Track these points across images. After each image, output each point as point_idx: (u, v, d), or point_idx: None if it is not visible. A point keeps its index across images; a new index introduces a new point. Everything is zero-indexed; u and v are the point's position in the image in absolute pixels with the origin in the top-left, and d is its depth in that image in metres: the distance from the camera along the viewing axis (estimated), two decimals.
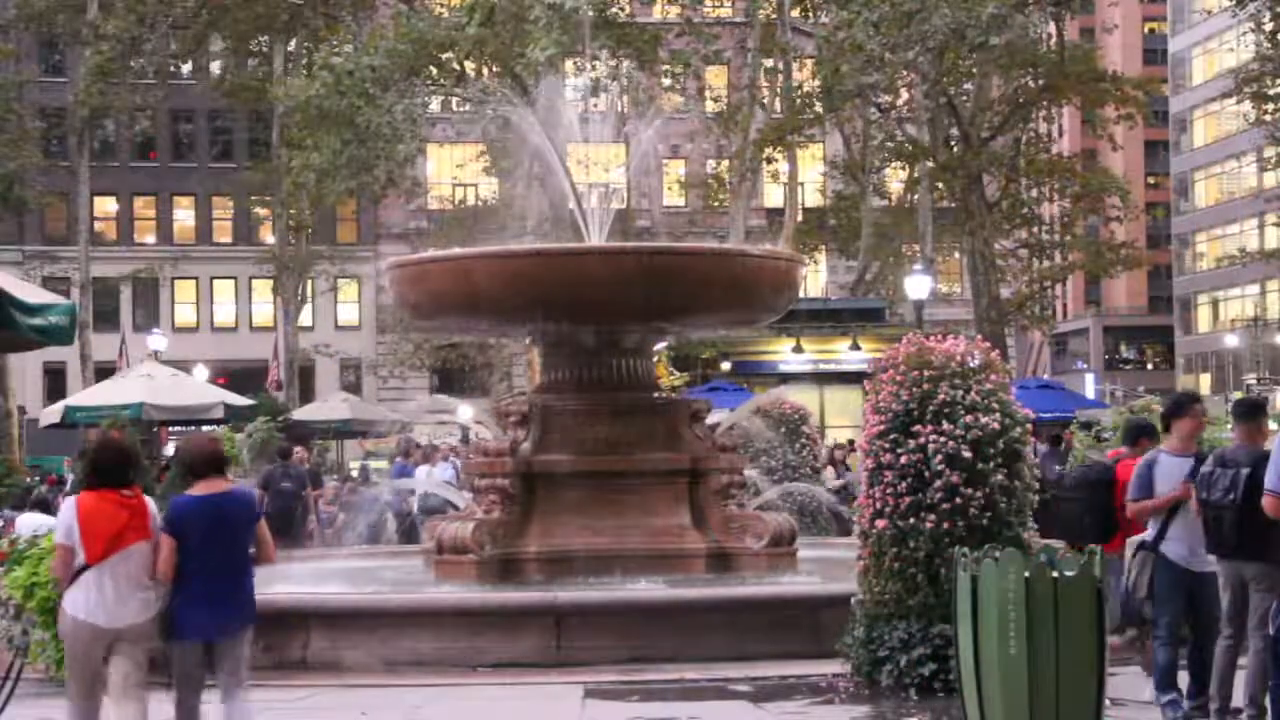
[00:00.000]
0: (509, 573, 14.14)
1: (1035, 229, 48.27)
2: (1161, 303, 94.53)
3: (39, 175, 45.51)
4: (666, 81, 38.99)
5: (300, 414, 38.77)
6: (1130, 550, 9.77)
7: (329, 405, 40.72)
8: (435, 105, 41.11)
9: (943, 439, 10.38)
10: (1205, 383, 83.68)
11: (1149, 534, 9.63)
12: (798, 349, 36.89)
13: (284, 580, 15.52)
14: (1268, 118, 41.49)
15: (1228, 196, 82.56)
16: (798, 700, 10.57)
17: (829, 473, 23.37)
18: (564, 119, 18.88)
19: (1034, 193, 48.39)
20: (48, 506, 18.44)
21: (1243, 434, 9.29)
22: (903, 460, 10.48)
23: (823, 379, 35.84)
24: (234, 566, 8.30)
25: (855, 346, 35.65)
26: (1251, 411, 9.53)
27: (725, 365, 39.09)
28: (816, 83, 38.85)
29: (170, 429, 38.26)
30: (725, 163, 47.11)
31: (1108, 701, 8.32)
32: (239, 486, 9.00)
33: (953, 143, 42.10)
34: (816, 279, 57.11)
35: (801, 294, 22.62)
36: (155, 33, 43.39)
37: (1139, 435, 11.43)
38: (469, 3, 33.63)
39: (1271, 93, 40.81)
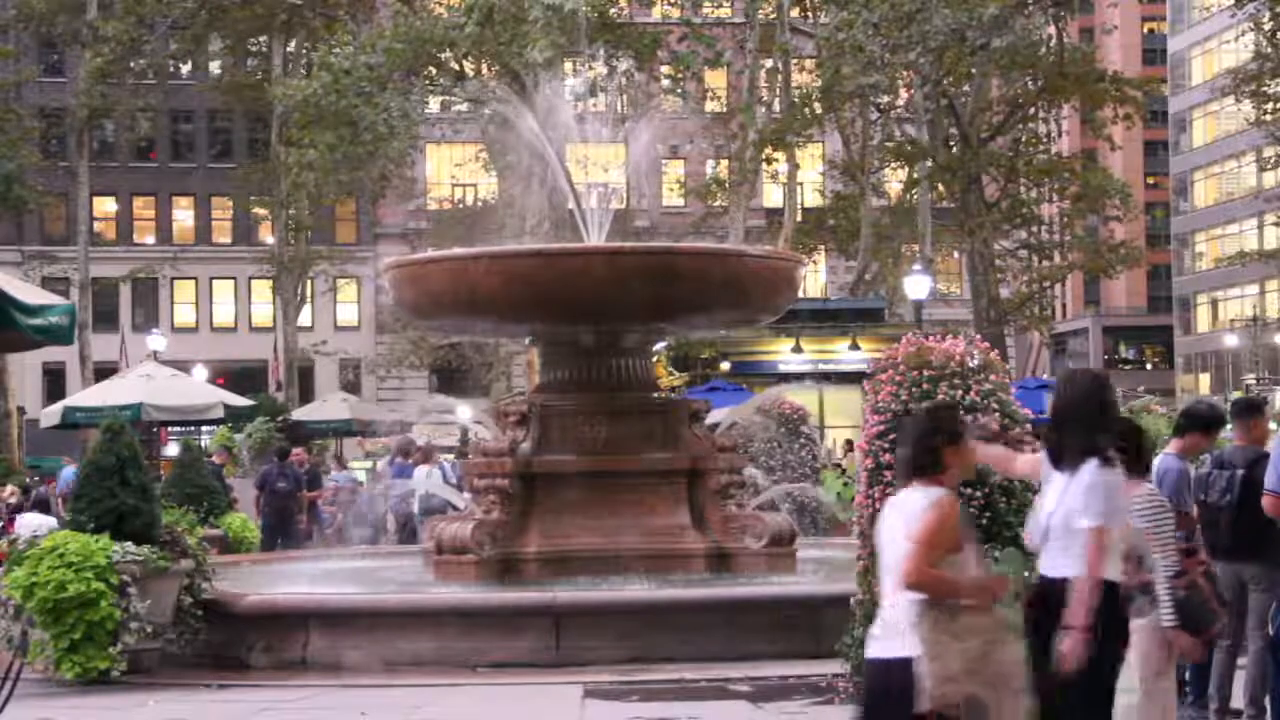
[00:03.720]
0: (508, 573, 14.14)
1: (1035, 229, 48.29)
2: (1161, 303, 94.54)
3: (38, 175, 45.50)
4: (666, 83, 39.01)
5: (300, 414, 38.82)
6: None
7: (328, 405, 40.76)
8: (434, 105, 41.12)
9: None
10: (1205, 383, 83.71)
11: None
12: (797, 349, 36.91)
13: (284, 580, 15.55)
14: (1267, 117, 41.53)
15: (1227, 196, 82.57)
16: (797, 700, 10.56)
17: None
18: (562, 119, 18.89)
19: (1033, 193, 48.41)
20: (48, 506, 18.48)
21: (1239, 432, 9.29)
22: None
23: (822, 379, 35.84)
24: None
25: (855, 346, 35.68)
26: (1247, 410, 9.53)
27: (725, 365, 39.10)
28: (817, 83, 38.89)
29: (170, 429, 38.31)
30: (725, 163, 47.12)
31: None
32: None
33: (952, 143, 42.13)
34: (816, 279, 57.12)
35: (801, 294, 22.62)
36: (154, 33, 43.39)
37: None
38: (468, 3, 33.64)
39: (1271, 92, 40.85)
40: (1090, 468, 6.17)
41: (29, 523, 15.86)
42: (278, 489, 21.47)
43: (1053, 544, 6.27)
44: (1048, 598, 6.20)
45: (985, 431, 7.13)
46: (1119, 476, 6.26)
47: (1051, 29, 43.13)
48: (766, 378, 35.70)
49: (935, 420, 6.20)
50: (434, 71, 37.02)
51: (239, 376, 51.49)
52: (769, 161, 41.65)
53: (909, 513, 5.93)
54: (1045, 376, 51.02)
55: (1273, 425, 10.82)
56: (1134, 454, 7.07)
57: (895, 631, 5.91)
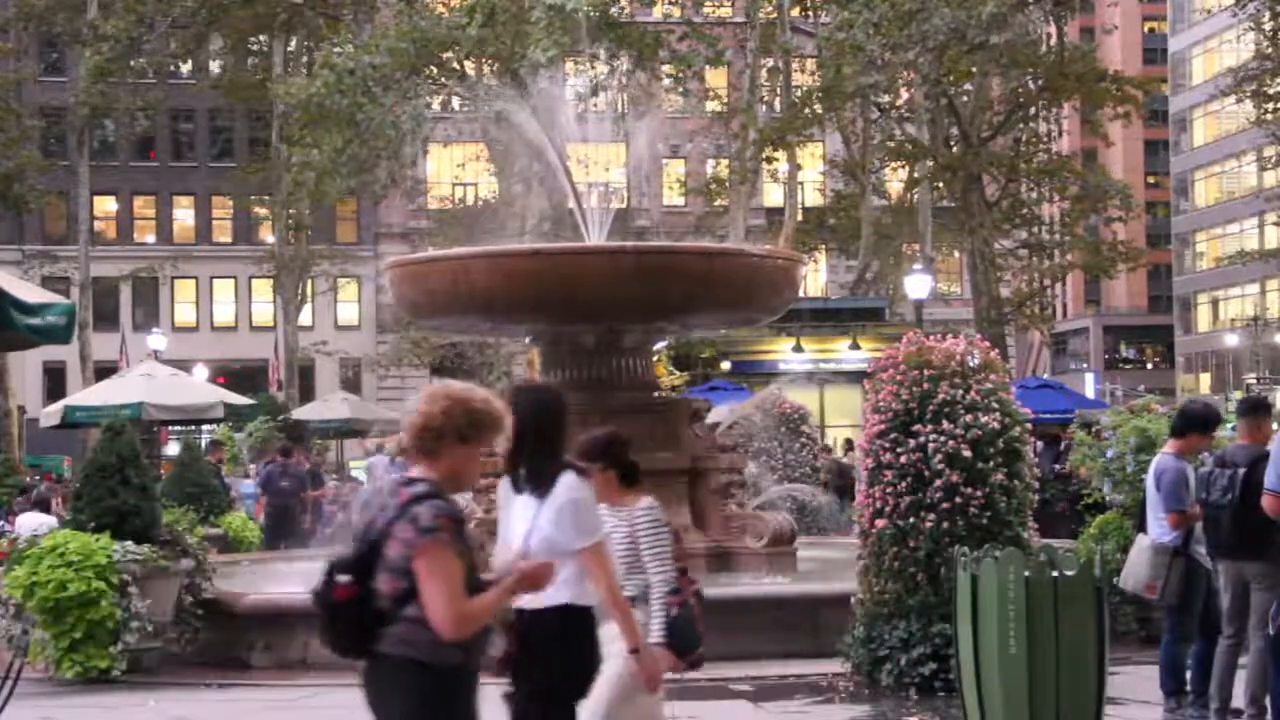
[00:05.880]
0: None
1: (1035, 229, 48.28)
2: (1161, 302, 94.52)
3: (39, 175, 45.48)
4: (667, 82, 38.98)
5: (300, 413, 38.78)
6: (1146, 551, 9.64)
7: (329, 405, 40.72)
8: (436, 105, 41.10)
9: (942, 438, 10.38)
10: (1205, 382, 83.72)
11: (1170, 536, 9.56)
12: (798, 348, 36.92)
13: (284, 580, 15.53)
14: (1268, 117, 41.51)
15: (1228, 196, 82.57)
16: (798, 700, 10.57)
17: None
18: (564, 118, 18.88)
19: (1033, 193, 48.39)
20: (48, 506, 18.47)
21: (1243, 430, 9.29)
22: (902, 460, 10.48)
23: (823, 379, 35.85)
24: None
25: (855, 346, 35.70)
26: (1254, 409, 9.53)
27: (725, 365, 39.10)
28: (817, 83, 38.88)
29: (170, 429, 38.31)
30: (725, 162, 47.11)
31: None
32: None
33: (953, 143, 42.11)
34: (816, 279, 57.11)
35: (801, 294, 22.63)
36: (155, 32, 43.38)
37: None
38: (470, 3, 33.64)
39: (1271, 92, 40.83)
40: (566, 485, 5.70)
41: (29, 522, 15.84)
42: (280, 488, 21.47)
43: None
44: (531, 631, 5.68)
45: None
46: (592, 491, 5.83)
47: (1051, 28, 43.11)
48: (767, 377, 35.72)
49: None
50: (435, 71, 37.01)
51: (239, 376, 51.50)
52: (769, 161, 41.63)
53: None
54: (1046, 376, 51.03)
55: (1275, 425, 10.79)
56: (629, 466, 6.77)
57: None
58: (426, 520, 4.70)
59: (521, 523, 5.74)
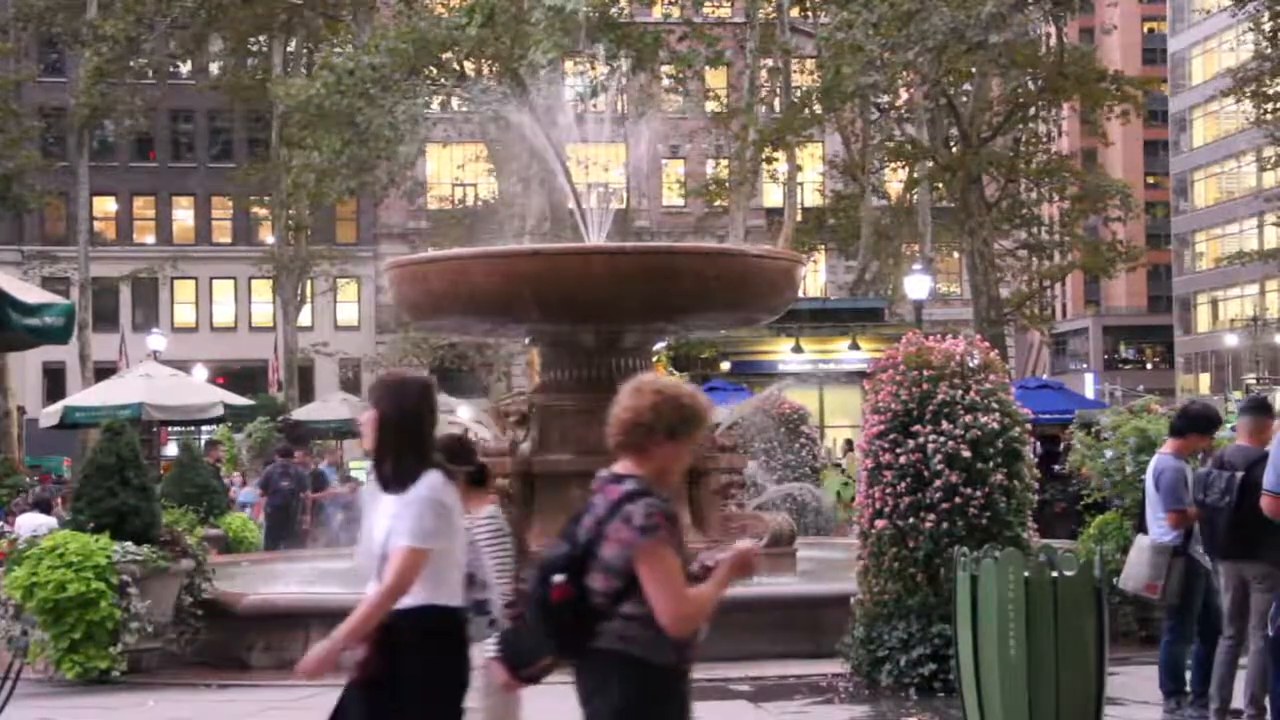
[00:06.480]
0: None
1: (1035, 229, 48.30)
2: (1161, 302, 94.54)
3: (38, 175, 45.50)
4: (667, 82, 39.01)
5: (300, 414, 38.76)
6: (1146, 551, 9.64)
7: (329, 405, 40.69)
8: (435, 105, 41.11)
9: (942, 439, 10.38)
10: (1205, 383, 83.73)
11: (1170, 536, 9.57)
12: (797, 349, 36.94)
13: (284, 580, 15.54)
14: (1267, 117, 41.52)
15: (1227, 196, 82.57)
16: (798, 700, 10.56)
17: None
18: (563, 119, 18.88)
19: (1033, 193, 48.41)
20: (48, 507, 18.46)
21: (1244, 430, 9.28)
22: (902, 460, 10.48)
23: (822, 379, 35.85)
24: None
25: (855, 346, 35.72)
26: (1258, 409, 9.53)
27: (725, 365, 39.11)
28: (816, 83, 38.87)
29: (170, 429, 38.30)
30: (725, 163, 47.13)
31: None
32: None
33: (952, 143, 42.11)
34: (816, 279, 57.13)
35: (801, 294, 22.63)
36: (154, 32, 43.38)
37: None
38: (469, 3, 33.65)
39: (1271, 92, 40.84)
40: (426, 483, 5.35)
41: (29, 523, 15.85)
42: (280, 488, 21.45)
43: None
44: (390, 633, 5.32)
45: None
46: (455, 493, 5.49)
47: (1051, 28, 43.11)
48: (767, 378, 35.73)
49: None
50: (434, 72, 37.01)
51: (239, 376, 51.51)
52: (769, 161, 41.66)
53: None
54: (1046, 377, 51.04)
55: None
56: (477, 469, 6.59)
57: None
58: (641, 519, 4.69)
59: (383, 521, 5.40)
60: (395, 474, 5.42)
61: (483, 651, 6.17)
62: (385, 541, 5.36)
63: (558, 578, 4.75)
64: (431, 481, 5.36)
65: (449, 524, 5.41)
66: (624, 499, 4.74)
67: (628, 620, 4.70)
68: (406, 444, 5.42)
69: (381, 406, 5.46)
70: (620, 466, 4.88)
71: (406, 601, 5.30)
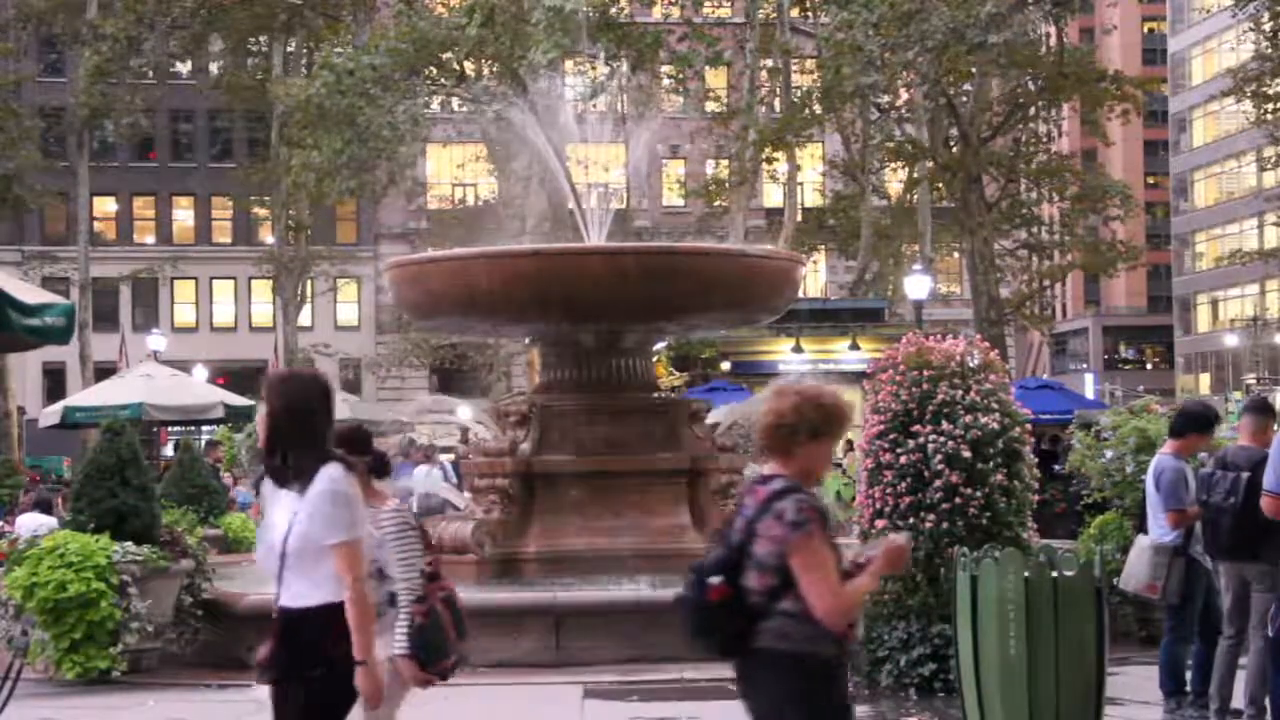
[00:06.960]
0: (508, 573, 14.13)
1: (1035, 229, 48.29)
2: (1161, 302, 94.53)
3: (38, 175, 45.48)
4: (667, 82, 39.00)
5: None
6: (1146, 551, 9.62)
7: None
8: (435, 105, 41.12)
9: (942, 439, 10.38)
10: (1205, 383, 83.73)
11: (1170, 536, 9.56)
12: (797, 349, 36.87)
13: None
14: (1267, 117, 41.51)
15: (1227, 196, 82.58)
16: None
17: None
18: (563, 119, 18.87)
19: (1033, 193, 48.41)
20: (48, 507, 18.45)
21: (1246, 429, 9.28)
22: (902, 460, 10.48)
23: (822, 379, 35.78)
24: None
25: (855, 346, 35.62)
26: (1260, 409, 9.53)
27: (725, 365, 39.08)
28: (816, 83, 38.87)
29: (170, 429, 38.30)
30: (725, 163, 47.12)
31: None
32: None
33: (952, 143, 42.10)
34: (816, 279, 57.12)
35: (801, 294, 22.61)
36: (154, 32, 43.38)
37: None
38: (469, 3, 33.65)
39: (1271, 92, 40.83)
40: (326, 476, 5.33)
41: (29, 523, 15.84)
42: None
43: (292, 570, 5.37)
44: (293, 632, 5.35)
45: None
46: (356, 484, 5.48)
47: (1051, 28, 43.08)
48: (767, 378, 35.69)
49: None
50: (434, 72, 37.02)
51: (239, 376, 51.43)
52: (769, 161, 41.65)
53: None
54: (1046, 377, 51.05)
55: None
56: (376, 457, 6.55)
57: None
58: (793, 515, 4.79)
59: (283, 518, 5.39)
60: (291, 469, 5.41)
61: (387, 648, 6.12)
62: (285, 539, 5.36)
63: (715, 579, 4.89)
64: (331, 474, 5.35)
65: (358, 515, 5.40)
66: (773, 497, 4.84)
67: (786, 617, 4.84)
68: (298, 438, 5.40)
69: (270, 403, 5.46)
70: (767, 468, 4.99)
71: (311, 599, 5.31)
